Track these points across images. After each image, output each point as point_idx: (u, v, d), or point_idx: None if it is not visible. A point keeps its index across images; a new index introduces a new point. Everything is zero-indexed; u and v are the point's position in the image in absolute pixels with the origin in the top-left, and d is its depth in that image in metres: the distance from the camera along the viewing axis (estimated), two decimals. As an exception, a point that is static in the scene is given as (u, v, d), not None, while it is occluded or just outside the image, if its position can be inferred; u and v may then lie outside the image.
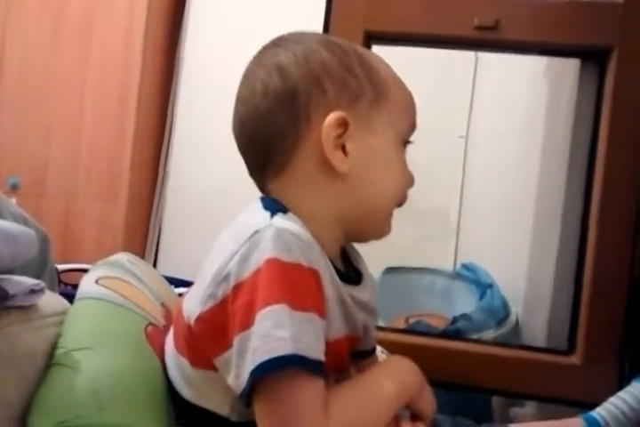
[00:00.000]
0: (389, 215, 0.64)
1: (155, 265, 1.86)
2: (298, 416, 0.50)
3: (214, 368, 0.55)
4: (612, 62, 1.15)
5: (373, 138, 0.61)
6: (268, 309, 0.50)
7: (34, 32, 1.88)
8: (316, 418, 0.50)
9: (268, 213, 0.56)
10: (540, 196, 1.48)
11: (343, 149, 0.59)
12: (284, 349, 0.50)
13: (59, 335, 0.62)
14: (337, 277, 0.58)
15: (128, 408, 0.58)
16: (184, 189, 1.97)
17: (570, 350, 1.18)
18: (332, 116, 0.58)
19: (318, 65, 0.60)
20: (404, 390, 0.60)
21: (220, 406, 0.57)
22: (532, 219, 1.46)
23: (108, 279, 0.71)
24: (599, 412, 0.95)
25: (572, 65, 1.30)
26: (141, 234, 1.91)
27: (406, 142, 0.65)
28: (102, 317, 0.66)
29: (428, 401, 0.64)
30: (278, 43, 0.64)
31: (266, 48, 0.64)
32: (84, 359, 0.60)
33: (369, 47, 1.20)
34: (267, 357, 0.49)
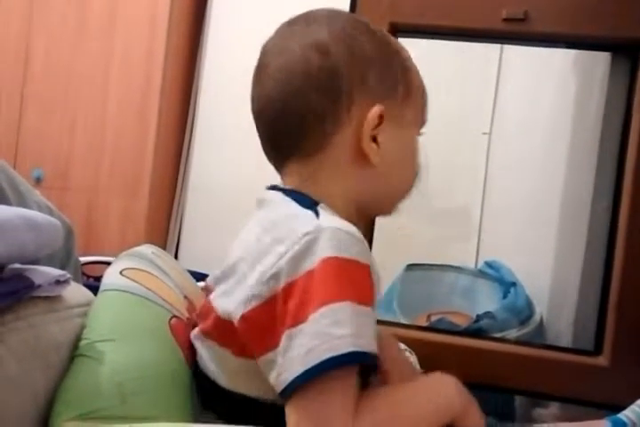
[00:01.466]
0: (400, 201, 0.66)
1: (176, 259, 1.86)
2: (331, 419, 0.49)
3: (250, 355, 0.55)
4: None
5: (400, 131, 0.61)
6: (327, 307, 0.50)
7: (58, 28, 1.89)
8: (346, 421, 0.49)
9: (310, 212, 0.56)
10: (566, 193, 1.45)
11: (375, 140, 0.59)
12: (345, 347, 0.49)
13: (83, 327, 0.62)
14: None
15: (151, 401, 0.58)
16: (205, 184, 1.97)
17: (597, 350, 1.15)
18: (376, 109, 0.58)
19: (361, 52, 0.59)
20: (445, 408, 0.56)
21: (266, 391, 0.55)
22: (558, 216, 1.43)
23: (132, 271, 0.71)
24: (626, 414, 0.93)
25: (602, 58, 1.27)
26: (163, 227, 1.92)
27: (419, 134, 0.66)
28: (126, 308, 0.66)
29: (475, 422, 0.59)
30: (310, 18, 0.62)
31: (294, 23, 0.62)
32: (108, 351, 0.59)
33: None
34: (327, 355, 0.49)
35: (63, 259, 0.79)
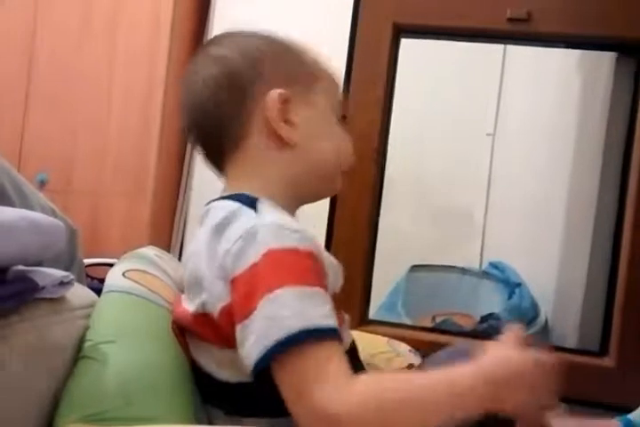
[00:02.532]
0: (337, 175, 0.70)
1: (179, 260, 1.86)
2: (317, 379, 0.50)
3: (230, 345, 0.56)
4: (650, 56, 1.12)
5: (313, 111, 0.67)
6: (271, 295, 0.53)
7: (62, 29, 1.89)
8: (335, 378, 0.50)
9: (249, 210, 0.60)
10: (571, 194, 1.45)
11: (287, 121, 0.65)
12: (293, 327, 0.51)
13: (86, 328, 0.62)
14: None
15: (155, 402, 0.58)
16: (209, 185, 1.97)
17: (602, 351, 1.15)
18: (273, 92, 0.64)
19: (254, 50, 0.66)
20: (460, 398, 0.51)
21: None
22: (564, 217, 1.42)
23: (134, 272, 0.70)
24: (636, 413, 0.92)
25: (607, 59, 1.26)
26: (166, 230, 1.91)
27: (342, 116, 0.71)
28: (129, 310, 0.65)
29: (513, 407, 0.52)
30: (214, 41, 0.71)
31: (208, 44, 0.71)
32: (112, 353, 0.59)
33: (398, 40, 1.18)
34: (275, 337, 0.51)
35: (67, 261, 0.79)
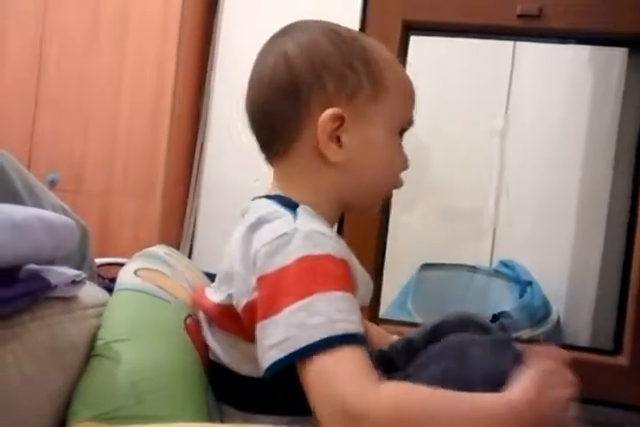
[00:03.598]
0: (383, 197, 0.69)
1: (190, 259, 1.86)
2: (346, 381, 0.50)
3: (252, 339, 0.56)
4: (662, 51, 1.11)
5: (369, 129, 0.64)
6: (299, 303, 0.53)
7: (72, 31, 1.90)
8: (360, 385, 0.50)
9: (289, 215, 0.60)
10: (583, 191, 1.44)
11: (339, 140, 0.63)
12: (321, 332, 0.52)
13: (99, 327, 0.62)
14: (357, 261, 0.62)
15: (167, 401, 0.58)
16: (219, 185, 1.97)
17: (616, 350, 1.13)
18: (327, 112, 0.62)
19: (320, 59, 0.64)
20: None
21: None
22: (575, 215, 1.41)
23: (146, 271, 0.71)
24: None
25: (619, 54, 1.25)
26: (176, 229, 1.91)
27: (403, 130, 0.68)
28: (141, 308, 0.66)
29: None
30: (286, 31, 0.68)
31: (275, 36, 0.68)
32: (124, 351, 0.59)
33: (407, 37, 1.17)
34: (302, 342, 0.51)
35: (78, 260, 0.79)
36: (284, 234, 0.56)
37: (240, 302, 0.58)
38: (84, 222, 0.81)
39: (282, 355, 0.52)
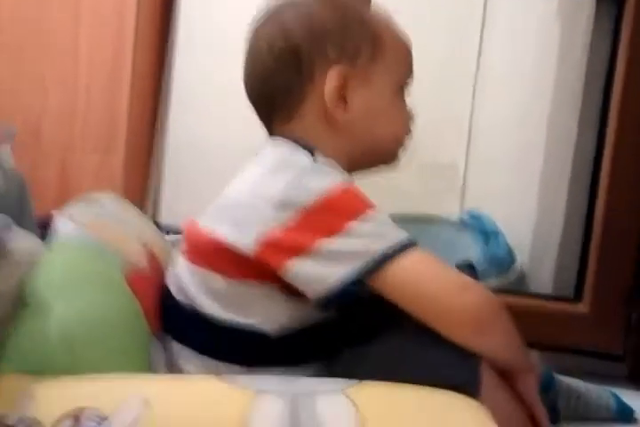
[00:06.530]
0: (396, 150, 0.73)
1: (155, 215, 1.83)
2: (443, 270, 0.60)
3: (260, 279, 0.59)
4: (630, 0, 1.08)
5: (373, 88, 0.67)
6: (365, 215, 0.59)
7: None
8: (455, 278, 0.61)
9: (307, 152, 0.63)
10: (549, 145, 1.42)
11: (344, 100, 0.66)
12: (400, 235, 0.60)
13: (30, 277, 0.59)
14: None
15: (103, 354, 0.56)
16: (184, 140, 1.92)
17: (577, 297, 1.14)
18: (332, 73, 0.65)
19: (319, 25, 0.66)
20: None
21: (261, 320, 0.59)
22: (542, 168, 1.40)
23: (85, 219, 0.68)
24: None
25: (586, 4, 1.22)
26: (140, 185, 1.87)
27: (405, 85, 0.72)
28: (77, 259, 0.63)
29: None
30: (279, 5, 0.69)
31: (269, 6, 0.70)
32: (57, 304, 0.57)
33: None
34: (384, 246, 0.58)
35: (16, 210, 0.75)
36: (306, 166, 0.61)
37: (251, 235, 0.58)
38: (19, 172, 0.77)
39: (362, 264, 0.57)
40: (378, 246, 0.58)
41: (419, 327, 0.61)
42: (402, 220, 1.53)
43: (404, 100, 0.71)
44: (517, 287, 1.30)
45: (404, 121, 0.71)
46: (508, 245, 1.35)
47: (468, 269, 1.33)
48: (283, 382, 0.52)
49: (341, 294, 0.58)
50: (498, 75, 1.74)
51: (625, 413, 0.91)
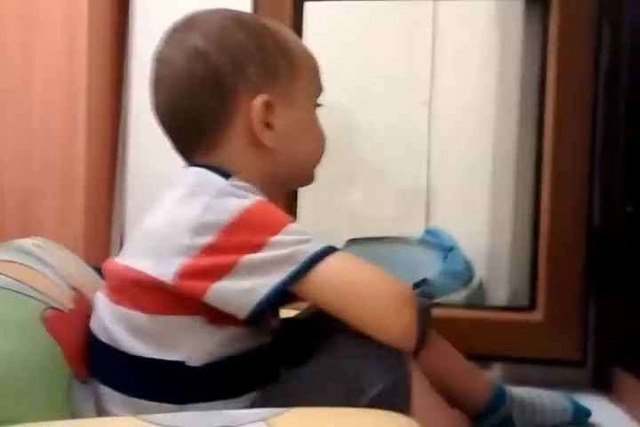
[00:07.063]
0: (314, 168, 0.74)
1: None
2: (361, 271, 0.63)
3: (183, 311, 0.59)
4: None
5: (295, 108, 0.68)
6: (282, 231, 0.59)
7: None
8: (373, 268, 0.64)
9: (222, 177, 0.64)
10: (496, 153, 1.44)
11: (270, 125, 0.67)
12: (322, 243, 0.61)
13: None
14: None
15: (16, 401, 0.55)
16: (145, 179, 1.92)
17: (531, 306, 1.15)
18: (258, 100, 0.65)
19: (237, 48, 0.65)
20: None
21: (187, 353, 0.59)
22: (491, 178, 1.42)
23: (5, 263, 0.67)
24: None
25: (517, 6, 1.26)
26: (103, 226, 1.86)
27: (317, 104, 0.73)
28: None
29: None
30: (189, 24, 0.68)
31: (177, 30, 0.68)
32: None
33: (301, 5, 1.15)
34: (301, 259, 0.59)
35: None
36: (222, 188, 0.61)
37: (172, 266, 0.58)
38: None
39: (292, 269, 0.58)
40: (302, 254, 0.59)
41: (348, 340, 0.62)
42: (358, 243, 1.54)
43: (318, 119, 0.72)
44: (478, 301, 1.30)
45: (322, 139, 0.73)
46: (464, 259, 1.35)
47: (424, 285, 1.34)
48: (204, 416, 0.52)
49: (270, 305, 0.58)
50: (450, 88, 1.77)
51: (581, 415, 0.91)
